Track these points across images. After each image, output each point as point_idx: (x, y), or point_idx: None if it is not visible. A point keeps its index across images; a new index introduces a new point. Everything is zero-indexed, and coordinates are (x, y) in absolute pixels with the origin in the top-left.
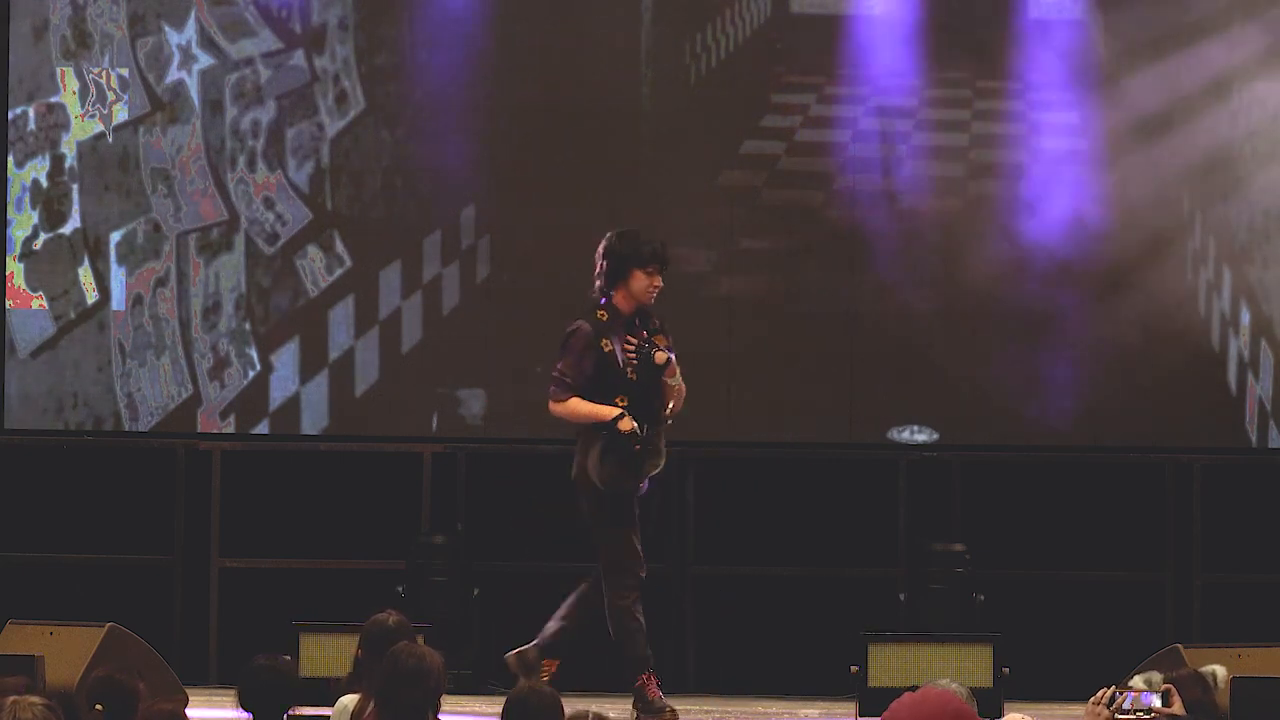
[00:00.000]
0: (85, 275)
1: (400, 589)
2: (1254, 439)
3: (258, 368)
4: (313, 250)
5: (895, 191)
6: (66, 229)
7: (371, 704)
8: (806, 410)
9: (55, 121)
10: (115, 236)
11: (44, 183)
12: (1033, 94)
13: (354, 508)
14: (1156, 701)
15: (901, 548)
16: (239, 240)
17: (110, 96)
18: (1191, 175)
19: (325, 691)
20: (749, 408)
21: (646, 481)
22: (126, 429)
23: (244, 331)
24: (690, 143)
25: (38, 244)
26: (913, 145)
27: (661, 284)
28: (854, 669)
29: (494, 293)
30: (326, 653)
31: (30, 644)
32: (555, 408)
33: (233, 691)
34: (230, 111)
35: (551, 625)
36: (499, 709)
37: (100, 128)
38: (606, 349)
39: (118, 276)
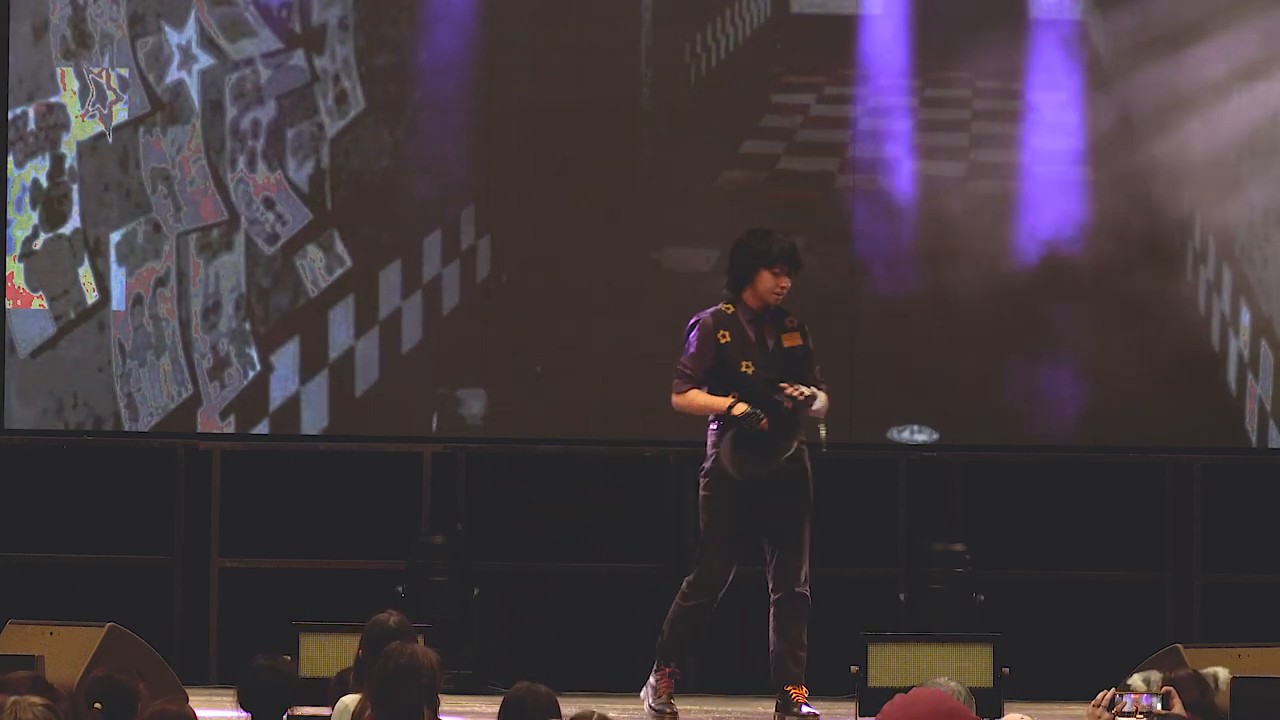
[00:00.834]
0: (85, 275)
1: (400, 589)
2: (1254, 439)
3: (258, 368)
4: (313, 250)
5: (895, 191)
6: (66, 229)
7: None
8: None
9: (55, 121)
10: (115, 236)
11: (44, 183)
12: (1032, 94)
13: (354, 508)
14: (1157, 704)
15: (901, 548)
16: (239, 240)
17: (110, 96)
18: (1191, 175)
19: (323, 690)
20: None
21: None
22: (126, 429)
23: (244, 331)
24: (690, 143)
25: (38, 244)
26: (912, 145)
27: (789, 285)
28: (854, 669)
29: (494, 293)
30: (326, 653)
31: (30, 644)
32: (675, 399)
33: (232, 691)
34: (230, 111)
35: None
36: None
37: (100, 128)
38: (724, 340)
39: (118, 276)
